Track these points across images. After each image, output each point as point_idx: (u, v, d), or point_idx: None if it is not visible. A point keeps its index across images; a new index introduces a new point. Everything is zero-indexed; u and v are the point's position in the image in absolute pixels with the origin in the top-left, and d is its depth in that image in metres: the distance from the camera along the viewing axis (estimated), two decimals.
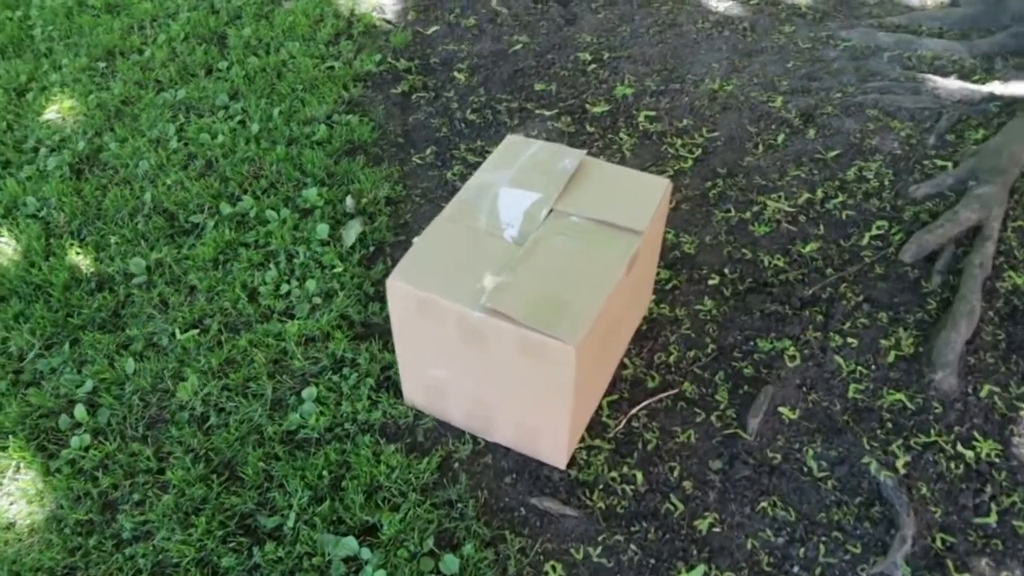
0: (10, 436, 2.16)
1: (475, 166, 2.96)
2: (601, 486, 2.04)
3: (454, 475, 2.05)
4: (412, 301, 1.84)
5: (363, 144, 3.05)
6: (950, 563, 1.88)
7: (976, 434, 2.10)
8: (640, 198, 2.02)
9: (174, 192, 2.86)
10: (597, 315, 1.75)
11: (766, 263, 2.56)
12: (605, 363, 2.10)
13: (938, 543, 1.91)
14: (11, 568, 1.88)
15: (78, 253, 2.68)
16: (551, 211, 1.99)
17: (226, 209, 2.76)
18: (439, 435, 2.14)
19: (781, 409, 2.18)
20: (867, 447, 2.09)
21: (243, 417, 2.18)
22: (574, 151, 2.14)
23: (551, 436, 1.97)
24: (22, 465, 2.10)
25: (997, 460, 2.05)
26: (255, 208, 2.75)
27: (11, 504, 2.03)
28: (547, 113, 3.19)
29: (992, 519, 1.95)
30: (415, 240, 1.94)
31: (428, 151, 3.04)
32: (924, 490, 2.00)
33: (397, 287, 1.84)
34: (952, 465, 2.05)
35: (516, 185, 2.05)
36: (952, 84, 3.06)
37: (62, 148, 3.12)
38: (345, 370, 2.26)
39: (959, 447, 2.08)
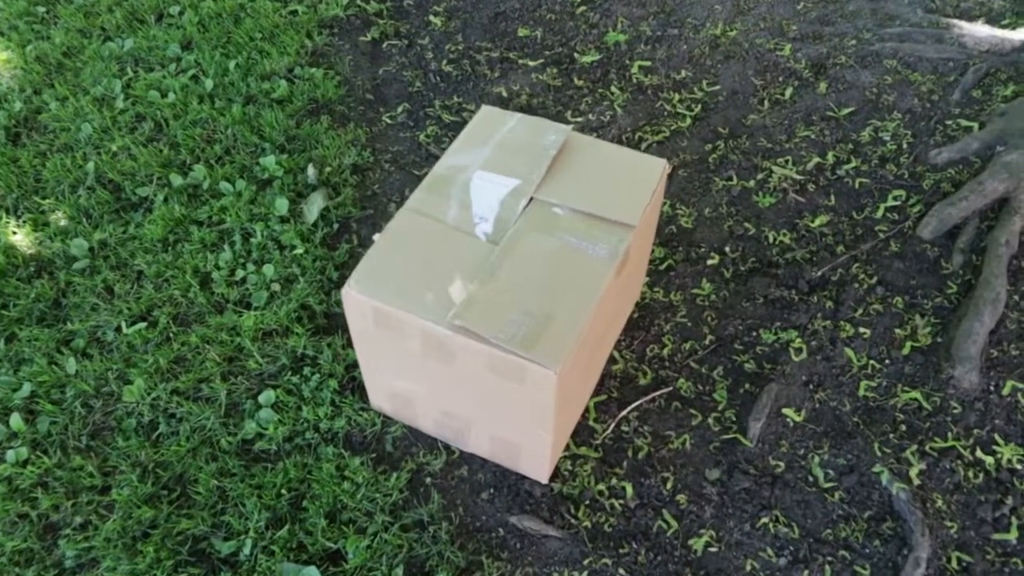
0: None
1: (451, 127, 2.68)
2: (587, 501, 1.86)
3: (426, 492, 1.87)
4: (370, 312, 1.62)
5: (328, 102, 2.76)
6: None
7: (997, 437, 1.92)
8: (633, 184, 1.77)
9: (120, 160, 2.58)
10: (582, 331, 1.53)
11: (771, 239, 2.33)
12: (592, 367, 1.89)
13: (954, 563, 1.75)
14: None
15: (14, 232, 2.43)
16: (531, 200, 1.74)
17: (176, 180, 2.49)
18: (409, 444, 1.95)
19: (785, 410, 1.99)
20: (878, 453, 1.91)
21: (195, 425, 1.98)
22: (558, 126, 1.88)
23: (531, 453, 1.78)
24: None
25: (1019, 467, 1.88)
26: (208, 179, 2.49)
27: None
28: (531, 64, 2.89)
29: (1012, 535, 1.79)
30: (374, 237, 1.71)
31: (399, 109, 2.76)
32: (940, 502, 1.83)
33: (353, 298, 1.61)
34: (970, 474, 1.87)
35: (491, 169, 1.80)
36: (980, 31, 2.76)
37: None
38: (306, 370, 2.05)
39: (978, 452, 1.90)
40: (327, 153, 2.55)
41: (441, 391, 1.74)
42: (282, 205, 2.39)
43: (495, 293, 1.57)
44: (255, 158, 2.55)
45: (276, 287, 2.23)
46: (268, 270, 2.24)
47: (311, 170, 2.48)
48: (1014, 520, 1.81)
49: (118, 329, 2.17)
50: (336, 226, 2.39)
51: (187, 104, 2.73)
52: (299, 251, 2.29)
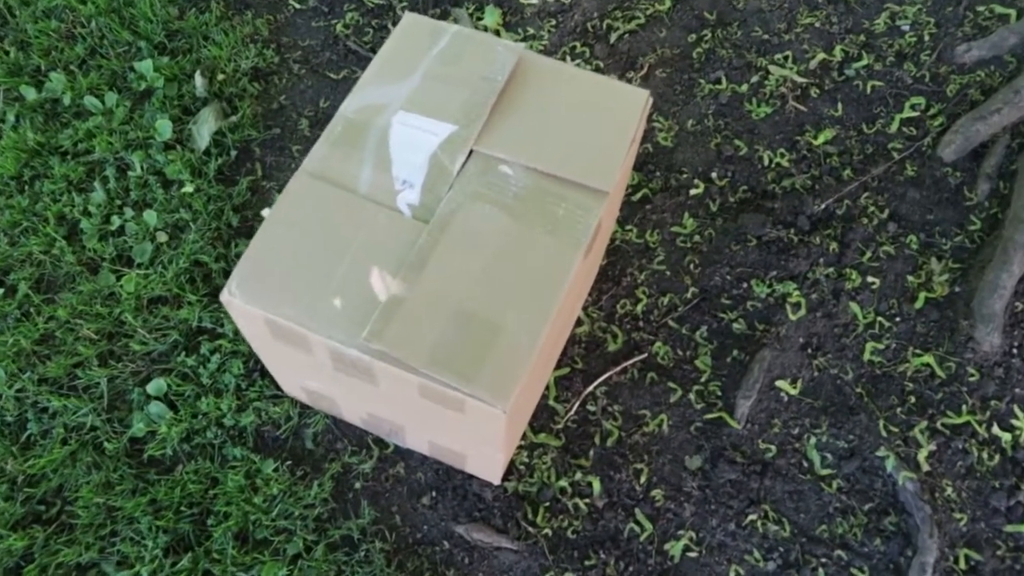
0: None
1: (375, 13, 2.16)
2: (547, 503, 1.59)
3: (355, 499, 1.58)
4: (262, 323, 1.23)
5: None
6: None
7: (1016, 409, 1.67)
8: (605, 127, 1.35)
9: None
10: (538, 345, 1.18)
11: (766, 162, 1.94)
12: (555, 348, 1.55)
13: (961, 563, 1.54)
14: None
15: None
16: (471, 155, 1.32)
17: (29, 94, 1.98)
18: (333, 440, 1.63)
19: (779, 383, 1.69)
20: (884, 433, 1.65)
21: (71, 423, 1.63)
22: (505, 45, 1.42)
23: (479, 461, 1.48)
24: None
25: None
26: (69, 92, 1.98)
27: None
28: None
29: None
30: (263, 214, 1.29)
31: None
32: (949, 490, 1.60)
33: (237, 308, 1.22)
34: (984, 455, 1.63)
35: (417, 109, 1.35)
36: None
37: None
38: (204, 348, 1.68)
39: (995, 428, 1.65)
40: (219, 53, 2.03)
41: (365, 400, 1.40)
42: (164, 127, 1.91)
43: (424, 296, 1.19)
44: (128, 62, 2.03)
45: (162, 237, 1.81)
46: (151, 217, 1.80)
47: (199, 79, 1.97)
48: None
49: None
50: (234, 153, 1.93)
51: None
52: (188, 189, 1.85)
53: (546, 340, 1.21)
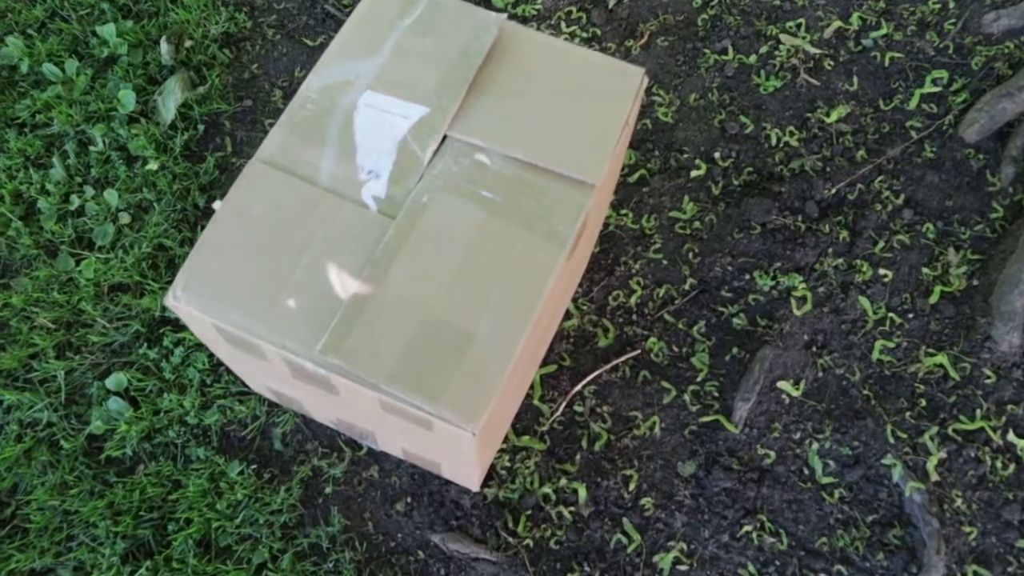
0: None
1: None
2: (529, 511, 1.50)
3: (325, 504, 1.49)
4: (211, 328, 1.12)
5: None
6: None
7: None
8: (595, 110, 1.22)
9: None
10: (513, 361, 1.07)
11: (774, 141, 1.80)
12: (535, 356, 1.44)
13: None
14: None
15: None
16: (444, 140, 1.20)
17: None
18: (303, 440, 1.53)
19: (781, 383, 1.58)
20: (891, 440, 1.54)
21: (27, 418, 1.53)
22: (486, 14, 1.28)
23: (455, 469, 1.38)
24: None
25: None
26: (27, 58, 1.84)
27: None
28: None
29: None
30: (215, 205, 1.17)
31: None
32: (959, 501, 1.50)
33: (183, 312, 1.11)
34: (998, 464, 1.52)
35: (386, 88, 1.22)
36: None
37: None
38: (167, 340, 1.58)
39: (1010, 435, 1.54)
40: (187, 17, 1.89)
41: (331, 406, 1.29)
42: (128, 98, 1.78)
43: (388, 300, 1.08)
44: (90, 26, 1.89)
45: (124, 219, 1.69)
46: (111, 197, 1.68)
47: (165, 45, 1.83)
48: None
49: None
50: (201, 127, 1.80)
51: None
52: (152, 166, 1.72)
53: (524, 350, 1.10)
